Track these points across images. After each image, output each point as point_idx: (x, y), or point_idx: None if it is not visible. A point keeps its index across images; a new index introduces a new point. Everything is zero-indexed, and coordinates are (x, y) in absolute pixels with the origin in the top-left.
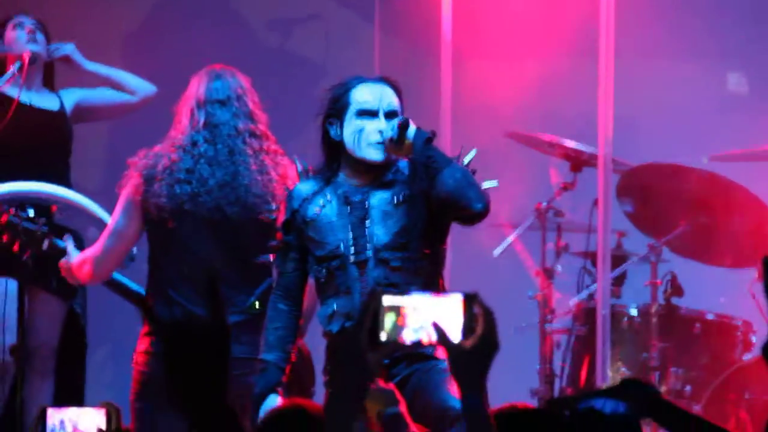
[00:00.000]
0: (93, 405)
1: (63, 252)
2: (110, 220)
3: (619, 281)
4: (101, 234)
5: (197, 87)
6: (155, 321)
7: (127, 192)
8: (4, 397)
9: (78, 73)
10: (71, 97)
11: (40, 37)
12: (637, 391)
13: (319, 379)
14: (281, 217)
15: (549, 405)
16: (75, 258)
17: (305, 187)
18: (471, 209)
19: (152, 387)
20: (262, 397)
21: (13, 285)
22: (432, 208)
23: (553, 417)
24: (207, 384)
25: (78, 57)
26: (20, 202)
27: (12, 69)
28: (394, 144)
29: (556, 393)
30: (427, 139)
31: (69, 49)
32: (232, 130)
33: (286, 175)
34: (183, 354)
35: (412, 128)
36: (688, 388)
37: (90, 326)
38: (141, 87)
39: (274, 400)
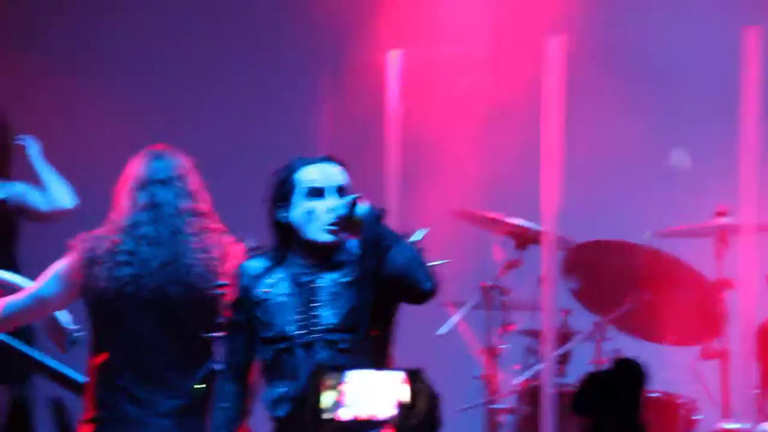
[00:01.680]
0: None
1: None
2: (36, 284)
3: (564, 359)
4: (26, 291)
5: (137, 168)
6: (98, 407)
7: (67, 269)
8: None
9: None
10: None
11: None
12: None
13: None
14: (231, 294)
15: None
16: None
17: (255, 265)
18: (420, 288)
19: None
20: None
21: None
22: (381, 288)
23: None
24: None
25: (33, 152)
26: None
27: None
28: (345, 221)
29: None
30: (377, 216)
31: (30, 145)
32: (173, 210)
33: (229, 253)
34: None
35: (362, 206)
36: None
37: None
38: (57, 200)
39: None
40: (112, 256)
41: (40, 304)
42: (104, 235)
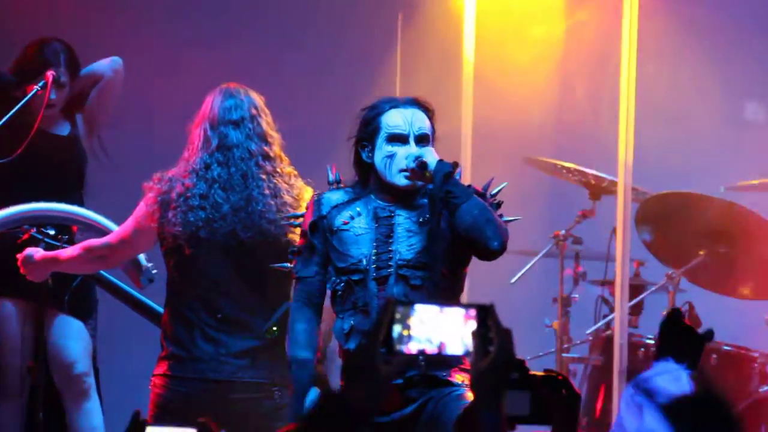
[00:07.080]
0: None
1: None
2: (121, 229)
3: (636, 310)
4: (110, 234)
5: (210, 107)
6: (174, 345)
7: (143, 215)
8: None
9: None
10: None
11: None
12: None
13: None
14: (307, 220)
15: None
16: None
17: (335, 196)
18: (487, 247)
19: (170, 410)
20: (306, 390)
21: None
22: (455, 236)
23: None
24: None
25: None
26: (41, 221)
27: (35, 88)
28: (416, 174)
29: None
30: (447, 174)
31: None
32: (245, 153)
33: (302, 197)
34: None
35: (432, 162)
36: None
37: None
38: (110, 65)
39: (316, 393)
40: (185, 200)
41: (126, 247)
42: (177, 176)
